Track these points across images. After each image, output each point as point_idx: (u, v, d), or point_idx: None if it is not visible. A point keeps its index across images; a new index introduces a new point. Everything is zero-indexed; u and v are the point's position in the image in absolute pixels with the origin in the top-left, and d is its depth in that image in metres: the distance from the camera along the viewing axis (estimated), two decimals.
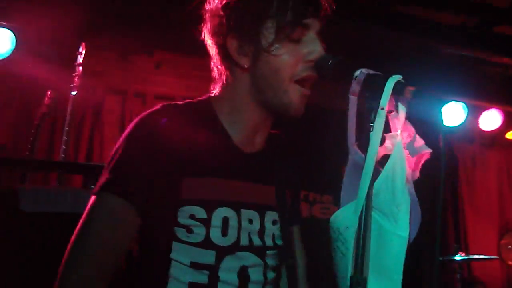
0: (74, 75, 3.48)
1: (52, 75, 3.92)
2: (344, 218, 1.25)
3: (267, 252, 1.51)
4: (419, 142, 1.27)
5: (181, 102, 1.54)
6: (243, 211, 1.47)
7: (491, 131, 5.92)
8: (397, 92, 1.18)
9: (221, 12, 1.47)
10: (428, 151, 1.26)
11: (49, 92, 3.57)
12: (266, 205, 1.53)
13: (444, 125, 1.20)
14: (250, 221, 1.48)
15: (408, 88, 1.18)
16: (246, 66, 1.46)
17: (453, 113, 5.50)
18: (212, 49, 1.54)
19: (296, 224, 1.71)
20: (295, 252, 1.66)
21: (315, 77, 1.45)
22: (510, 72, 5.36)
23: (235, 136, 1.52)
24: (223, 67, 1.52)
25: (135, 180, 1.39)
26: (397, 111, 1.23)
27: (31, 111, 4.14)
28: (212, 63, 1.57)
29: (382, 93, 1.17)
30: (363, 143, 1.18)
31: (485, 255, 5.23)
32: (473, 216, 6.25)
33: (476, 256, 5.07)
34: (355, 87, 1.25)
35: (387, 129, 1.22)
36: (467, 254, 5.15)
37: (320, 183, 5.38)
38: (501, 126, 5.86)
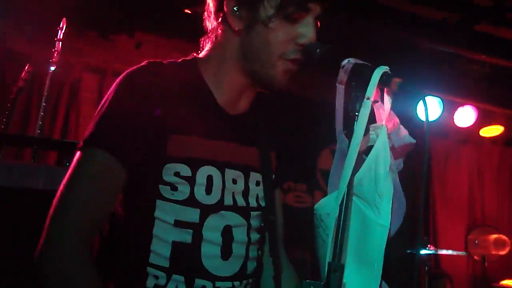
0: (53, 50, 3.42)
1: (31, 49, 3.85)
2: (326, 205, 1.26)
3: (251, 213, 1.52)
4: (403, 132, 1.29)
5: (166, 61, 1.51)
6: (227, 170, 1.47)
7: (465, 127, 6.02)
8: (384, 83, 1.19)
9: None
10: (412, 141, 1.28)
11: (27, 67, 3.50)
12: (250, 166, 1.53)
13: (427, 118, 1.22)
14: (234, 181, 1.48)
15: (395, 80, 1.19)
16: (237, 29, 1.45)
17: (428, 108, 5.56)
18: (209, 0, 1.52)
19: (278, 188, 1.72)
20: (277, 214, 1.67)
21: (301, 60, 1.45)
22: (487, 69, 5.44)
23: (219, 97, 1.51)
24: (215, 23, 1.50)
25: (122, 135, 1.37)
26: (382, 102, 1.24)
27: (7, 84, 4.07)
28: (205, 14, 1.54)
29: (368, 83, 1.18)
30: (350, 132, 1.18)
31: (453, 249, 5.36)
32: (442, 210, 6.37)
33: (444, 252, 5.19)
34: (342, 76, 1.25)
35: (372, 119, 1.23)
36: (436, 247, 5.26)
37: (295, 171, 5.41)
38: (475, 123, 5.96)
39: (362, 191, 1.23)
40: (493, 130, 6.29)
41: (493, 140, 6.59)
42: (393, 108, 1.27)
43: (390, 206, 1.22)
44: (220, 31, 1.49)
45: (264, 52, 1.43)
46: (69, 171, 1.38)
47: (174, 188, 1.39)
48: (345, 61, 1.25)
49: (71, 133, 4.60)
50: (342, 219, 1.16)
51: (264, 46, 1.42)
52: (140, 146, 1.37)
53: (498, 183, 6.77)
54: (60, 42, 3.45)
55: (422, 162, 1.20)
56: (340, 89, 1.26)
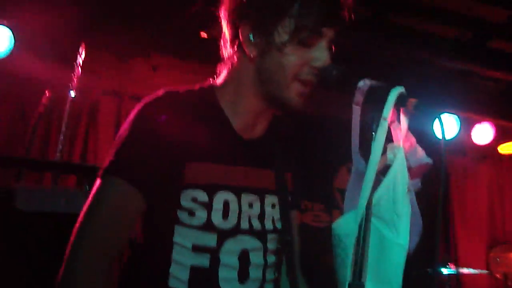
0: (72, 74, 3.48)
1: (50, 74, 3.92)
2: (345, 225, 1.27)
3: (268, 236, 1.54)
4: (420, 152, 1.30)
5: (182, 89, 1.55)
6: (243, 195, 1.50)
7: (483, 144, 5.97)
8: (400, 103, 1.21)
9: None
10: (429, 161, 1.29)
11: (46, 92, 3.57)
12: (265, 189, 1.56)
13: (443, 137, 1.23)
14: (250, 205, 1.51)
15: (410, 100, 1.21)
16: (252, 56, 1.48)
17: (445, 126, 5.54)
18: (225, 27, 1.55)
19: (295, 208, 1.74)
20: (294, 236, 1.68)
21: (316, 83, 1.48)
22: (503, 86, 5.42)
23: (236, 123, 1.54)
24: (231, 51, 1.53)
25: (140, 164, 1.42)
26: (399, 122, 1.26)
27: (28, 110, 4.14)
28: (222, 41, 1.57)
29: (384, 103, 1.20)
30: (366, 152, 1.20)
31: (474, 267, 5.28)
32: (462, 229, 6.29)
33: (465, 270, 5.12)
34: (358, 97, 1.27)
35: (389, 139, 1.24)
36: (457, 266, 5.19)
37: (312, 191, 5.40)
38: (493, 139, 5.92)
39: (379, 210, 1.24)
40: (511, 147, 6.23)
41: None
42: (409, 126, 1.28)
43: (409, 226, 1.23)
44: (236, 58, 1.53)
45: (279, 75, 1.46)
46: (89, 199, 1.42)
47: (191, 213, 1.43)
48: (361, 83, 1.27)
49: (90, 156, 4.65)
50: (361, 240, 1.17)
51: (279, 69, 1.45)
52: (158, 174, 1.42)
53: None
54: (79, 67, 3.52)
55: (440, 180, 1.21)
56: (356, 109, 1.29)
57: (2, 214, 2.61)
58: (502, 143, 6.19)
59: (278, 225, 1.57)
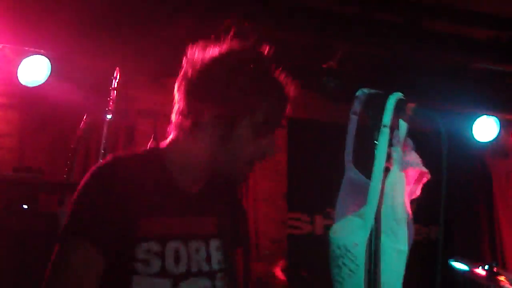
0: (108, 99, 3.56)
1: (86, 99, 4.01)
2: (352, 235, 1.28)
3: (216, 275, 1.68)
4: (417, 159, 1.30)
5: (129, 154, 1.70)
6: (190, 242, 1.64)
7: None
8: (398, 109, 1.23)
9: (212, 77, 1.59)
10: (423, 169, 1.30)
11: (84, 116, 3.65)
12: (209, 234, 1.70)
13: (443, 139, 1.23)
14: (197, 251, 1.65)
15: (409, 105, 1.23)
16: (209, 135, 1.60)
17: (485, 128, 5.45)
18: (179, 95, 1.66)
19: (237, 247, 1.89)
20: (236, 272, 1.84)
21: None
22: None
23: (182, 182, 1.67)
24: (184, 120, 1.62)
25: (98, 223, 1.53)
26: (398, 128, 1.27)
27: (67, 135, 4.24)
28: (176, 104, 1.66)
29: (383, 111, 1.22)
30: (359, 160, 1.21)
31: None
32: (509, 231, 6.15)
33: None
34: (356, 106, 1.32)
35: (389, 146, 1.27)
36: (504, 269, 5.06)
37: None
38: None
39: (382, 219, 1.25)
40: None
41: None
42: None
43: (407, 232, 1.24)
44: (188, 129, 1.62)
45: (233, 160, 1.62)
46: (51, 263, 1.53)
47: (147, 263, 1.54)
48: (359, 92, 1.30)
49: None
50: (373, 249, 1.18)
51: (234, 155, 1.62)
52: (114, 232, 1.53)
53: None
54: (115, 91, 3.60)
55: (442, 179, 1.22)
56: (354, 119, 1.34)
57: (46, 239, 2.68)
58: None
59: (224, 265, 1.71)
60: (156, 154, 1.69)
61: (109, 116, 3.59)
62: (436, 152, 1.29)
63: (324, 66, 4.11)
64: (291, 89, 1.65)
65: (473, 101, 5.26)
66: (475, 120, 5.40)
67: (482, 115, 5.40)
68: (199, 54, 1.62)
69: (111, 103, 3.59)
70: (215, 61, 1.60)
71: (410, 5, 4.23)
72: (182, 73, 1.65)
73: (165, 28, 4.02)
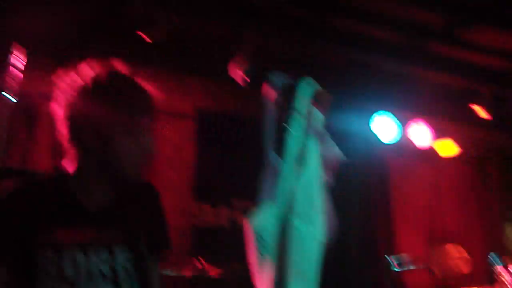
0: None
1: None
2: (264, 220, 1.28)
3: (118, 277, 1.71)
4: (332, 146, 1.32)
5: (34, 180, 1.78)
6: (91, 248, 1.68)
7: (422, 145, 6.11)
8: (313, 97, 1.24)
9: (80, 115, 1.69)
10: (340, 154, 1.31)
11: None
12: (113, 242, 1.73)
13: (377, 137, 1.26)
14: (99, 255, 1.69)
15: (323, 93, 1.23)
16: (89, 156, 1.70)
17: (386, 127, 5.66)
18: (58, 122, 1.74)
19: (153, 252, 1.88)
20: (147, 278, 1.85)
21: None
22: (439, 87, 5.58)
23: (88, 203, 1.73)
24: (72, 145, 1.72)
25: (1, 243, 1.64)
26: (313, 115, 1.28)
27: None
28: (60, 132, 1.74)
29: (296, 97, 1.23)
30: (278, 146, 1.21)
31: (414, 264, 5.40)
32: (403, 227, 6.42)
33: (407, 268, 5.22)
34: (270, 92, 1.30)
35: (306, 133, 1.26)
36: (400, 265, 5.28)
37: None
38: (432, 140, 6.07)
39: (296, 205, 1.25)
40: (447, 148, 6.39)
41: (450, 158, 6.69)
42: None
43: (324, 221, 1.24)
44: (76, 151, 1.72)
45: (117, 164, 1.70)
46: None
47: (47, 272, 1.62)
48: (272, 78, 1.29)
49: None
50: (282, 235, 1.18)
51: (116, 160, 1.70)
52: (17, 249, 1.63)
53: (457, 198, 6.87)
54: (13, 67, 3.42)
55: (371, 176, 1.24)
56: (269, 104, 1.34)
57: None
58: (439, 143, 6.35)
59: (129, 271, 1.73)
60: (62, 180, 1.75)
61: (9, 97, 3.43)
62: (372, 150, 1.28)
63: (235, 57, 4.13)
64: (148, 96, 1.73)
65: (376, 100, 5.46)
66: (373, 116, 5.58)
67: (381, 111, 5.59)
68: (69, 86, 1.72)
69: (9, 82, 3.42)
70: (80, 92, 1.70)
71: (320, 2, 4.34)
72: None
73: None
